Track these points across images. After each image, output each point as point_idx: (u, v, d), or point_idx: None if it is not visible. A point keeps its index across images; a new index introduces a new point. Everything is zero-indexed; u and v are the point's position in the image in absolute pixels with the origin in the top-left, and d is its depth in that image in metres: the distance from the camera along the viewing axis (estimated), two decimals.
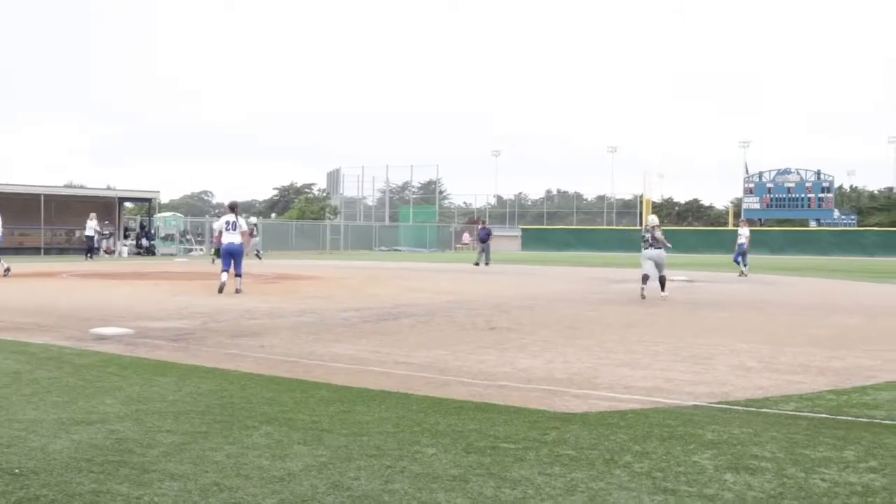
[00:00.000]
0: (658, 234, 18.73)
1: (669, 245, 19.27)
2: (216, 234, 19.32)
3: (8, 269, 23.51)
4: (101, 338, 10.45)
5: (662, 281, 18.64)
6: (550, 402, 6.79)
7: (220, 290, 17.65)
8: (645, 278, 18.64)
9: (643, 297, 18.09)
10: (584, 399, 6.97)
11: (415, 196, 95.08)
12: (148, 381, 7.41)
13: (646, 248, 18.81)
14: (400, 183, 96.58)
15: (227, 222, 18.50)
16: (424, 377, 7.91)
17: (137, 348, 9.60)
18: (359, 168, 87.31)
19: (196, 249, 51.79)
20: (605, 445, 5.37)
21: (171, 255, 47.86)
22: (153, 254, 47.32)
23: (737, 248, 29.47)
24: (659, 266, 18.69)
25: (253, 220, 42.91)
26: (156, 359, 8.81)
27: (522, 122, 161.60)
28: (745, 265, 28.79)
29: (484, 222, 39.57)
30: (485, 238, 36.68)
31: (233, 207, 19.03)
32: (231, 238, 18.37)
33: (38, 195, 44.78)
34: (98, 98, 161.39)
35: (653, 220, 19.08)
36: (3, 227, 24.44)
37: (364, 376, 7.90)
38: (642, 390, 7.37)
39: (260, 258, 37.85)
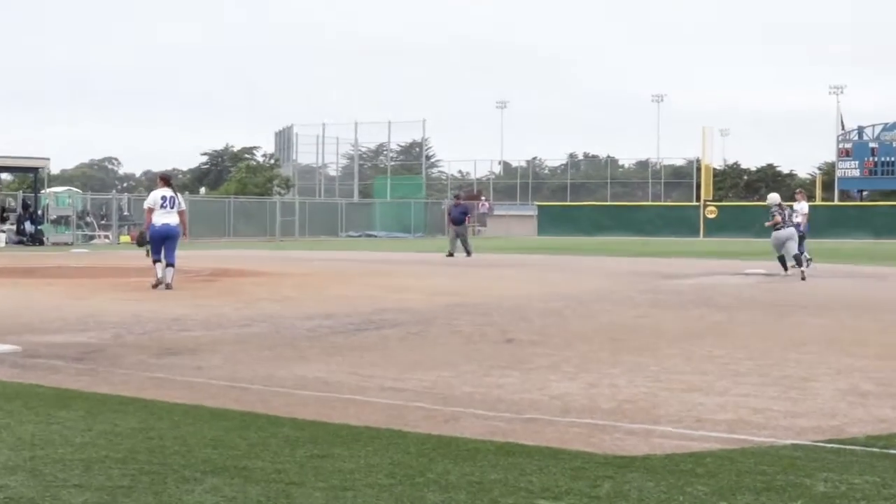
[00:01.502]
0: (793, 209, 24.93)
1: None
2: (146, 213, 19.83)
3: None
4: None
5: (790, 259, 23.59)
6: (598, 442, 6.70)
7: (156, 286, 18.59)
8: (799, 260, 23.47)
9: (803, 278, 22.64)
10: (644, 437, 6.88)
11: (394, 163, 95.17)
12: (44, 418, 7.29)
13: (780, 229, 23.54)
14: (373, 146, 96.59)
15: (164, 198, 19.20)
16: (424, 408, 7.83)
17: (27, 372, 9.49)
18: (318, 126, 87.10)
19: (100, 236, 51.68)
20: (679, 501, 5.28)
21: (67, 243, 47.74)
22: (41, 242, 47.19)
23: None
24: (791, 245, 23.58)
25: None
26: (54, 386, 8.69)
27: (537, 63, 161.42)
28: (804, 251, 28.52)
29: (461, 197, 39.50)
30: (460, 219, 36.64)
31: (166, 179, 19.92)
32: (165, 218, 19.15)
33: None
34: None
35: (776, 197, 24.42)
36: None
37: (341, 408, 7.81)
38: (722, 424, 7.28)
39: None
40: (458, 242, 35.78)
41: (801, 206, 29.36)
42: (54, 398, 8.11)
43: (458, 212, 37.01)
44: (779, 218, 23.67)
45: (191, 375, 9.31)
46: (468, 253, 35.21)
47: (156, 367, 9.81)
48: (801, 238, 28.74)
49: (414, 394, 8.46)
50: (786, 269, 23.87)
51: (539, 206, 77.94)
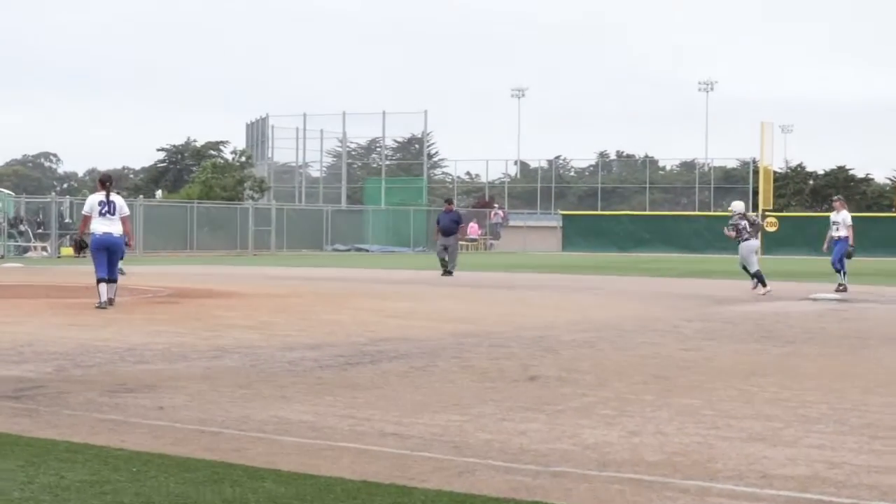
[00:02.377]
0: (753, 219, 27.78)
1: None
2: (82, 220, 20.24)
3: None
4: None
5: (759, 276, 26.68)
6: (643, 502, 6.70)
7: (104, 306, 19.25)
8: (761, 278, 26.48)
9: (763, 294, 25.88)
10: (698, 496, 6.87)
11: (389, 162, 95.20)
12: None
13: (748, 239, 26.64)
14: (364, 141, 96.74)
15: (101, 203, 19.66)
16: (432, 458, 7.82)
17: None
18: (298, 117, 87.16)
19: (36, 247, 51.71)
20: None
21: None
22: None
23: (830, 243, 28.93)
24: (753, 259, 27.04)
25: None
26: None
27: (560, 42, 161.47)
28: (843, 273, 28.22)
29: (453, 203, 39.47)
30: (450, 228, 36.58)
31: (105, 181, 20.38)
32: (107, 226, 19.67)
33: None
34: None
35: (741, 205, 27.56)
36: None
37: (333, 457, 7.80)
38: (792, 481, 7.27)
39: None
40: (447, 257, 35.66)
41: (844, 217, 28.95)
42: None
43: (449, 220, 36.89)
44: (744, 224, 26.80)
45: (151, 418, 9.28)
46: (450, 271, 35.09)
47: (109, 407, 9.79)
48: (849, 255, 28.64)
49: (420, 441, 8.44)
50: (764, 284, 26.53)
51: (564, 216, 77.84)
